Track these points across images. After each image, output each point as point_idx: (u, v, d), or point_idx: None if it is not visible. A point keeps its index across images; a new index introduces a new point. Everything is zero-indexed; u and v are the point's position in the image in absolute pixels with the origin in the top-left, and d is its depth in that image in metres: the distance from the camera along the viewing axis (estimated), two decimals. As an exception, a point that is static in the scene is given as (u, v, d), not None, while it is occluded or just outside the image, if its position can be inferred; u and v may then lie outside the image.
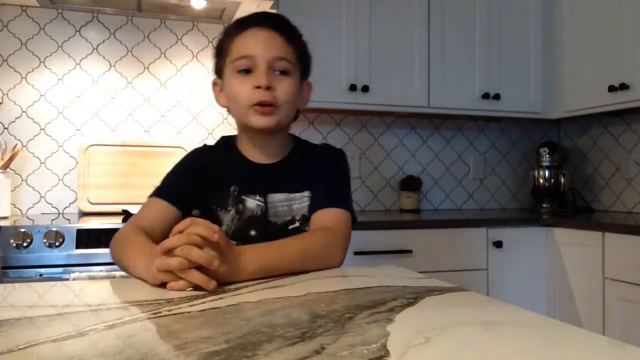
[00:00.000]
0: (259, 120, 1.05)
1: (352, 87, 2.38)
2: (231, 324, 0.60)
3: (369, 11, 2.42)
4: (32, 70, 2.34)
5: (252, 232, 1.08)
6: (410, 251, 2.14)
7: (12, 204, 2.27)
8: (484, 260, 2.25)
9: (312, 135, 2.67)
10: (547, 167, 2.76)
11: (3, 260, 1.72)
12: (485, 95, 2.59)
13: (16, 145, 2.23)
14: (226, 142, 1.18)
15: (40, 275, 1.73)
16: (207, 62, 2.54)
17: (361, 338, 0.54)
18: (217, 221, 1.07)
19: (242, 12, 2.39)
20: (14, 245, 1.73)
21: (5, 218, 2.09)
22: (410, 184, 2.73)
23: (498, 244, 2.26)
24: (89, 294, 0.78)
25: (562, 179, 2.74)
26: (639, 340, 1.90)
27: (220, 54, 1.11)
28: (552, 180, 2.75)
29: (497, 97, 2.60)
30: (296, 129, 2.63)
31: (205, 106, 2.53)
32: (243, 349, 0.51)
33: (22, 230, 1.75)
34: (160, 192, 1.09)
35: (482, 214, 2.63)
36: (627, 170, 2.67)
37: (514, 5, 2.65)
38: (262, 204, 1.09)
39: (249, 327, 0.58)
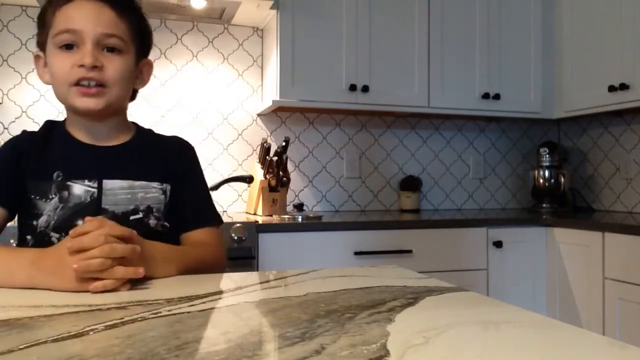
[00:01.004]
0: (81, 102, 0.95)
1: (352, 87, 2.38)
2: (231, 324, 0.60)
3: (369, 11, 2.42)
4: (32, 70, 2.34)
5: (80, 222, 0.96)
6: (410, 251, 2.14)
7: (12, 204, 2.27)
8: (484, 260, 2.25)
9: (312, 135, 2.67)
10: (547, 167, 2.76)
11: (3, 260, 1.72)
12: (485, 95, 2.59)
13: (16, 145, 2.23)
14: (51, 125, 1.05)
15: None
16: (207, 62, 2.54)
17: (361, 338, 0.54)
18: (36, 211, 0.97)
19: (242, 12, 2.39)
20: (14, 245, 1.73)
21: (5, 218, 2.09)
22: (410, 184, 2.73)
23: (498, 244, 2.26)
24: (89, 294, 0.78)
25: (562, 179, 2.74)
26: (639, 340, 1.90)
27: (43, 25, 0.99)
28: (552, 180, 2.75)
29: (497, 97, 2.60)
30: (296, 129, 2.64)
31: (205, 106, 2.53)
32: (243, 349, 0.51)
33: (22, 230, 1.75)
34: None
35: (482, 214, 2.63)
36: (627, 170, 2.67)
37: (513, 5, 2.65)
38: (94, 190, 0.98)
39: (249, 327, 0.58)
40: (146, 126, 1.13)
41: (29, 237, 0.99)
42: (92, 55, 0.93)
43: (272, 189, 2.29)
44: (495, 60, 2.62)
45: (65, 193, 0.97)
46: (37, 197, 0.97)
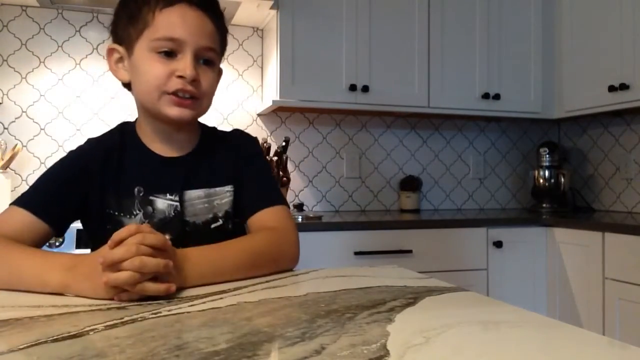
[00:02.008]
0: (173, 111, 0.92)
1: (352, 87, 2.38)
2: (231, 324, 0.60)
3: (369, 11, 2.42)
4: (32, 70, 2.34)
5: (167, 236, 0.90)
6: (410, 251, 2.14)
7: (12, 204, 2.27)
8: (484, 260, 2.25)
9: (312, 135, 2.67)
10: (547, 167, 2.76)
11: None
12: (485, 95, 2.59)
13: (16, 145, 2.23)
14: (122, 132, 1.01)
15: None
16: (207, 62, 2.54)
17: (361, 338, 0.54)
18: (118, 228, 0.93)
19: (242, 12, 2.39)
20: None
21: (5, 218, 2.09)
22: (410, 184, 2.73)
23: (498, 244, 2.26)
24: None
25: (562, 179, 2.74)
26: (639, 340, 1.90)
27: (133, 20, 0.93)
28: (552, 180, 2.75)
29: (497, 97, 2.60)
30: (296, 129, 2.64)
31: (205, 106, 2.53)
32: (243, 349, 0.51)
33: (22, 230, 1.75)
34: (24, 202, 0.91)
35: (482, 214, 2.63)
36: (627, 170, 2.67)
37: (513, 5, 2.65)
38: (176, 203, 0.97)
39: (249, 327, 0.58)
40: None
41: None
42: (194, 68, 0.91)
43: (272, 189, 2.28)
44: (495, 60, 2.62)
45: (150, 208, 0.96)
46: (121, 214, 0.95)
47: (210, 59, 0.95)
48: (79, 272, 0.74)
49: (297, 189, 2.64)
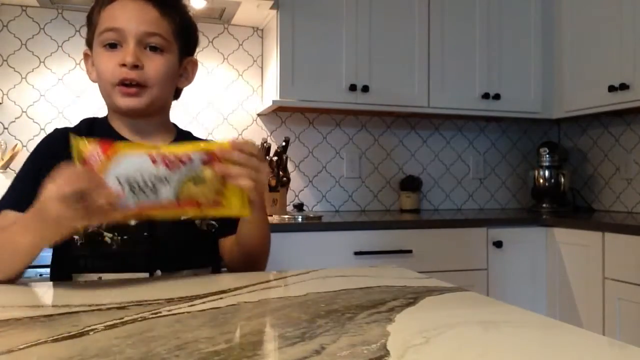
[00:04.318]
0: (123, 102, 0.96)
1: (352, 87, 2.38)
2: (231, 324, 0.60)
3: (369, 11, 2.42)
4: (32, 70, 2.34)
5: (132, 221, 0.97)
6: (410, 251, 2.14)
7: (12, 204, 2.27)
8: (484, 260, 2.25)
9: (312, 135, 2.67)
10: (547, 167, 2.76)
11: (3, 260, 1.72)
12: (485, 95, 2.59)
13: (16, 145, 2.23)
14: (92, 123, 1.05)
15: (40, 275, 1.73)
16: (207, 62, 2.54)
17: (361, 338, 0.54)
18: None
19: (242, 12, 2.39)
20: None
21: (5, 218, 2.09)
22: (410, 184, 2.73)
23: (498, 244, 2.26)
24: (89, 293, 0.78)
25: (562, 179, 2.74)
26: (639, 340, 1.90)
27: (90, 24, 1.00)
28: (552, 180, 2.75)
29: (497, 97, 2.60)
30: (296, 129, 2.64)
31: (205, 106, 2.53)
32: (243, 349, 0.51)
33: (22, 230, 1.75)
34: (11, 203, 0.94)
35: (482, 214, 2.63)
36: (627, 170, 2.67)
37: (514, 5, 2.65)
38: None
39: (249, 327, 0.58)
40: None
41: (76, 237, 0.96)
42: (134, 54, 0.94)
43: (272, 189, 2.29)
44: (495, 60, 2.62)
45: None
46: None
47: (156, 45, 0.97)
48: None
49: (297, 189, 2.64)
